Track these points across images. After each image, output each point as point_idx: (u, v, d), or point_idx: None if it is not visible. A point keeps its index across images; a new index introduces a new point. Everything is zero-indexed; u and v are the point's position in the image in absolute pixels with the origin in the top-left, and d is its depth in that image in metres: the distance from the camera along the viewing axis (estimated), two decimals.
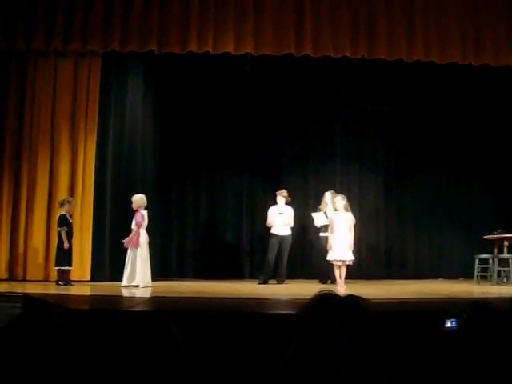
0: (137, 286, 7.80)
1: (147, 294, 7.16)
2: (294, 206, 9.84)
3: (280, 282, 9.38)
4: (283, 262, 9.47)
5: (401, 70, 9.64)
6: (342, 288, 8.11)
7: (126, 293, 7.21)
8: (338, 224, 8.57)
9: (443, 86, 10.68)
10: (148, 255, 8.18)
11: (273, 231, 9.47)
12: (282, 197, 9.57)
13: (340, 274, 8.46)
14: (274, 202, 9.66)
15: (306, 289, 7.87)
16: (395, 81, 10.62)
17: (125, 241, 8.03)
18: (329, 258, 8.54)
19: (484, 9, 8.92)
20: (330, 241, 8.60)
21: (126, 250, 8.07)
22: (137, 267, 7.96)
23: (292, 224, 9.57)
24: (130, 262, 8.00)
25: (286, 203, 9.62)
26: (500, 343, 1.56)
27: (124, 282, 7.91)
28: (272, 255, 9.39)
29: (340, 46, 8.71)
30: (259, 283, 9.18)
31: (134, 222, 8.13)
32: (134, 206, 8.16)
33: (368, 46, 8.74)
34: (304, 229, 10.56)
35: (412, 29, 8.81)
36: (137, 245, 8.03)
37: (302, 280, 9.98)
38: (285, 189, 9.78)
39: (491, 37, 8.87)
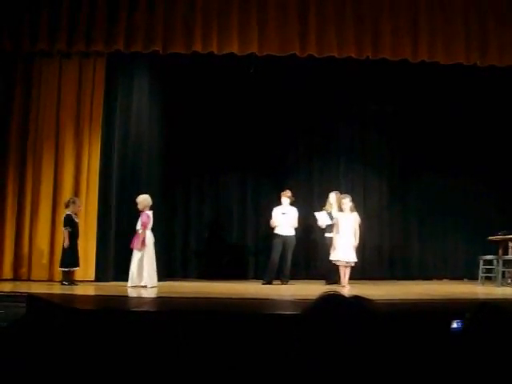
0: (145, 287, 7.81)
1: (152, 294, 7.17)
2: (299, 206, 9.84)
3: (284, 282, 9.38)
4: (287, 262, 9.47)
5: (405, 71, 9.63)
6: (346, 288, 8.11)
7: (131, 293, 7.22)
8: (343, 225, 8.59)
9: (448, 86, 10.66)
10: (154, 255, 8.18)
11: (277, 231, 9.47)
12: (286, 197, 9.58)
13: (344, 274, 8.48)
14: (279, 203, 9.67)
15: (311, 289, 7.87)
16: (400, 81, 10.61)
17: (134, 245, 8.03)
18: (333, 258, 8.55)
19: (489, 9, 8.91)
20: (334, 241, 8.61)
21: (131, 250, 8.07)
22: (144, 267, 7.96)
23: (296, 225, 9.58)
24: (135, 262, 7.99)
25: (290, 203, 9.63)
26: (505, 344, 1.56)
27: (130, 283, 7.90)
28: (276, 255, 9.39)
29: (344, 47, 8.71)
30: (263, 283, 9.19)
31: (139, 223, 8.12)
32: (140, 206, 8.15)
33: (373, 46, 8.74)
34: (308, 229, 10.55)
35: (417, 29, 8.80)
36: (143, 246, 8.04)
37: (306, 280, 9.97)
38: (289, 189, 9.79)
39: (496, 37, 8.85)
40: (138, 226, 8.10)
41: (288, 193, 9.66)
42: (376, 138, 11.58)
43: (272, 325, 4.02)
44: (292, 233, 9.52)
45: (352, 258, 8.51)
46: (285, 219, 9.48)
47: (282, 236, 9.45)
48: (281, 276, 9.46)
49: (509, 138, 10.88)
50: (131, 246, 8.05)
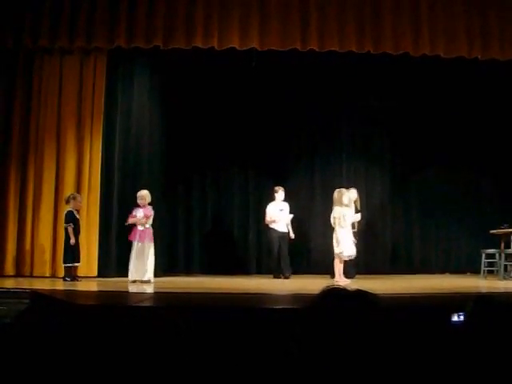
0: (148, 281, 7.82)
1: (154, 289, 7.18)
2: (300, 202, 9.89)
3: (286, 276, 9.39)
4: (286, 257, 9.57)
5: (407, 65, 9.60)
6: (345, 282, 8.11)
7: (133, 288, 7.23)
8: (348, 219, 8.57)
9: (449, 80, 10.61)
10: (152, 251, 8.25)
11: (274, 227, 9.59)
12: (282, 192, 9.64)
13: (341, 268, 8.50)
14: (272, 199, 9.73)
15: (312, 284, 7.88)
16: (401, 76, 10.56)
17: (129, 221, 8.07)
18: (345, 253, 8.45)
19: (490, 2, 8.86)
20: (338, 235, 8.54)
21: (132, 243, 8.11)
22: (148, 262, 7.99)
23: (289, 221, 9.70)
24: (135, 256, 8.00)
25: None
26: (505, 337, 1.56)
27: (132, 277, 7.91)
28: (276, 250, 9.52)
29: (346, 41, 8.67)
30: (274, 277, 9.28)
31: (142, 213, 8.11)
32: (144, 201, 8.15)
33: (374, 40, 8.69)
34: (309, 224, 10.56)
35: (418, 23, 8.75)
36: (151, 239, 8.11)
37: (307, 275, 9.97)
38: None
39: (498, 30, 8.80)
40: (142, 218, 8.09)
41: (282, 188, 9.72)
42: (378, 133, 11.53)
43: (275, 319, 4.02)
44: (286, 229, 9.64)
45: (354, 251, 8.54)
46: (281, 215, 9.55)
47: (278, 232, 9.57)
48: (283, 271, 9.48)
49: (510, 132, 10.85)
50: (129, 238, 8.08)
